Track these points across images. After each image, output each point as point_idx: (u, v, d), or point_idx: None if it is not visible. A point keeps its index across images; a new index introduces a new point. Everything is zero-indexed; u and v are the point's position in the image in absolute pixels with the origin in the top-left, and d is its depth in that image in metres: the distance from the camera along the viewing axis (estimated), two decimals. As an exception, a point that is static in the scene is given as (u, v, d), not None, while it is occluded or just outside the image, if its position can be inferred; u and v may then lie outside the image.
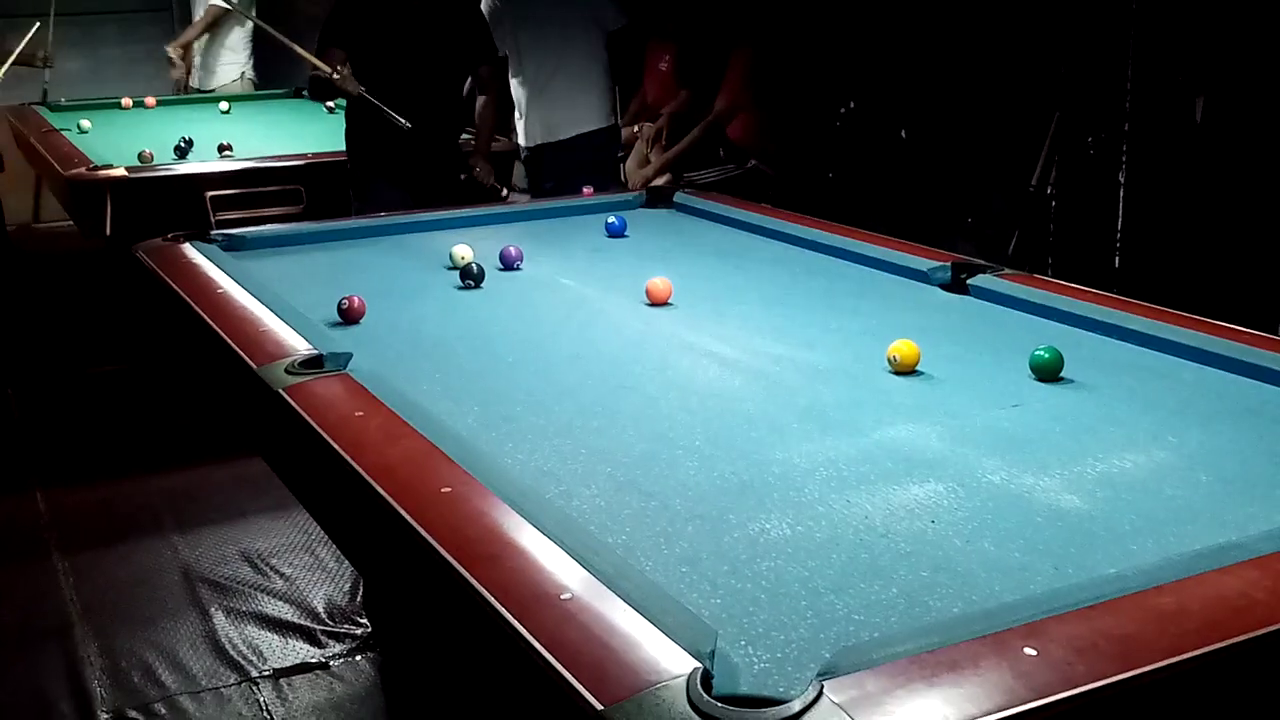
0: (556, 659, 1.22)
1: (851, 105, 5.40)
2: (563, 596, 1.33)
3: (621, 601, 1.32)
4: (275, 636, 3.13)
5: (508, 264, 3.04)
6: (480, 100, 4.69)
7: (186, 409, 4.33)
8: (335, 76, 4.31)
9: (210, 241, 3.15)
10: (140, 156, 4.86)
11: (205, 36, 7.19)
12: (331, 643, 3.09)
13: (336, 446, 1.79)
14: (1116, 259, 4.24)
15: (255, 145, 5.01)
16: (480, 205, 3.97)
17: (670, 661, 1.20)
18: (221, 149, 5.04)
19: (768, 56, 5.20)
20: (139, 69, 7.65)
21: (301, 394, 2.01)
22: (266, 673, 2.97)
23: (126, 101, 6.70)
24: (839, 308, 2.68)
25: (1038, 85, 4.54)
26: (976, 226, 4.82)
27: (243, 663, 3.01)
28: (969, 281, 2.73)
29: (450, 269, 3.01)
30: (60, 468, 4.15)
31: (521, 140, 5.07)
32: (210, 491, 3.95)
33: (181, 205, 4.32)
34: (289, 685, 2.93)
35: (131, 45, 7.70)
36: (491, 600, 1.33)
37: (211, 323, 2.45)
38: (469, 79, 4.69)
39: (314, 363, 2.13)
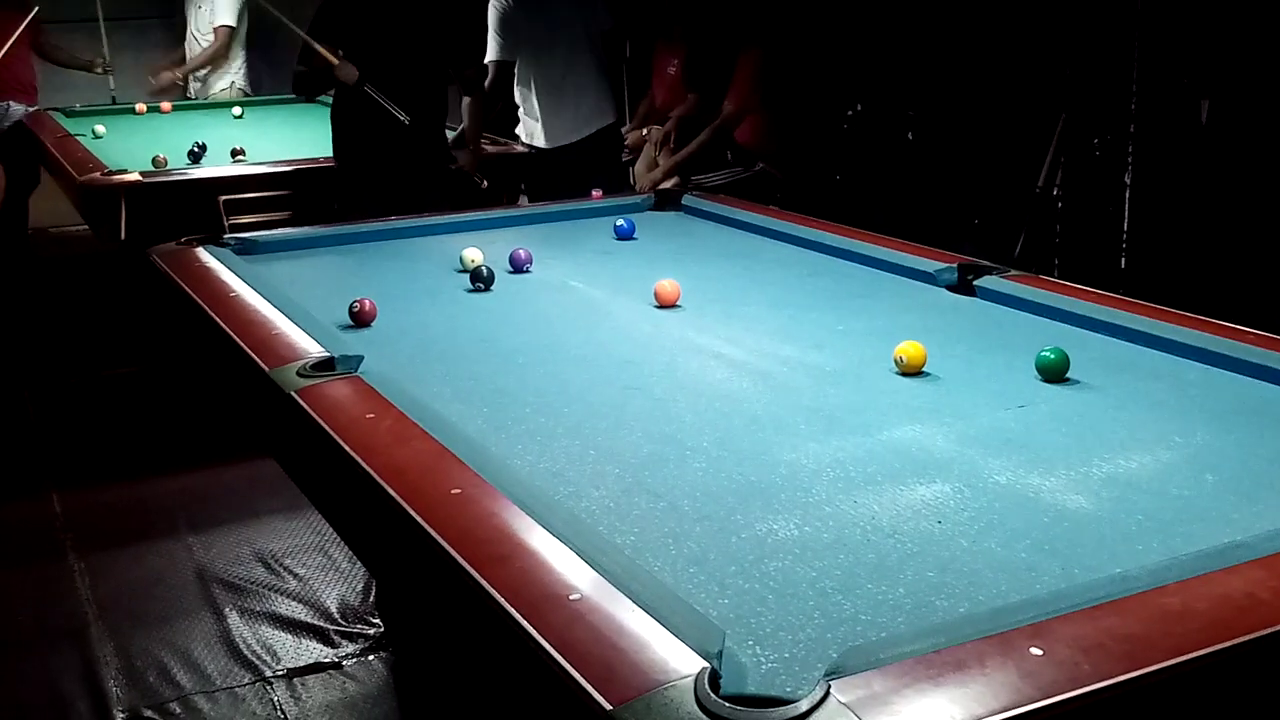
0: (565, 659, 1.23)
1: (859, 108, 5.41)
2: (572, 597, 1.35)
3: (630, 602, 1.33)
4: (289, 636, 3.15)
5: (517, 267, 3.06)
6: (467, 100, 4.76)
7: (200, 411, 4.35)
8: (335, 63, 4.33)
9: (223, 245, 3.17)
10: (154, 161, 4.89)
11: (199, 48, 7.22)
12: (344, 642, 3.11)
13: (348, 448, 1.81)
14: (1122, 260, 4.24)
15: (268, 150, 5.04)
16: (478, 209, 3.96)
17: (678, 661, 1.22)
18: (234, 154, 5.07)
19: (775, 59, 5.21)
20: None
21: (313, 396, 2.03)
22: (280, 672, 3.00)
23: (141, 107, 6.73)
24: (846, 309, 2.69)
25: (1043, 87, 4.54)
26: (982, 228, 4.82)
27: (257, 662, 3.03)
28: (975, 283, 2.74)
29: (460, 272, 3.02)
30: (75, 469, 4.18)
31: (541, 142, 5.14)
32: (224, 492, 3.98)
33: (195, 209, 4.35)
34: (303, 685, 2.95)
35: (148, 51, 7.73)
36: (501, 601, 1.35)
37: (224, 326, 2.47)
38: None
39: (325, 365, 2.15)
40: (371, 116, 4.36)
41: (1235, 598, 1.32)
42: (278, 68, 7.44)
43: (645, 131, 5.50)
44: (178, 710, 2.86)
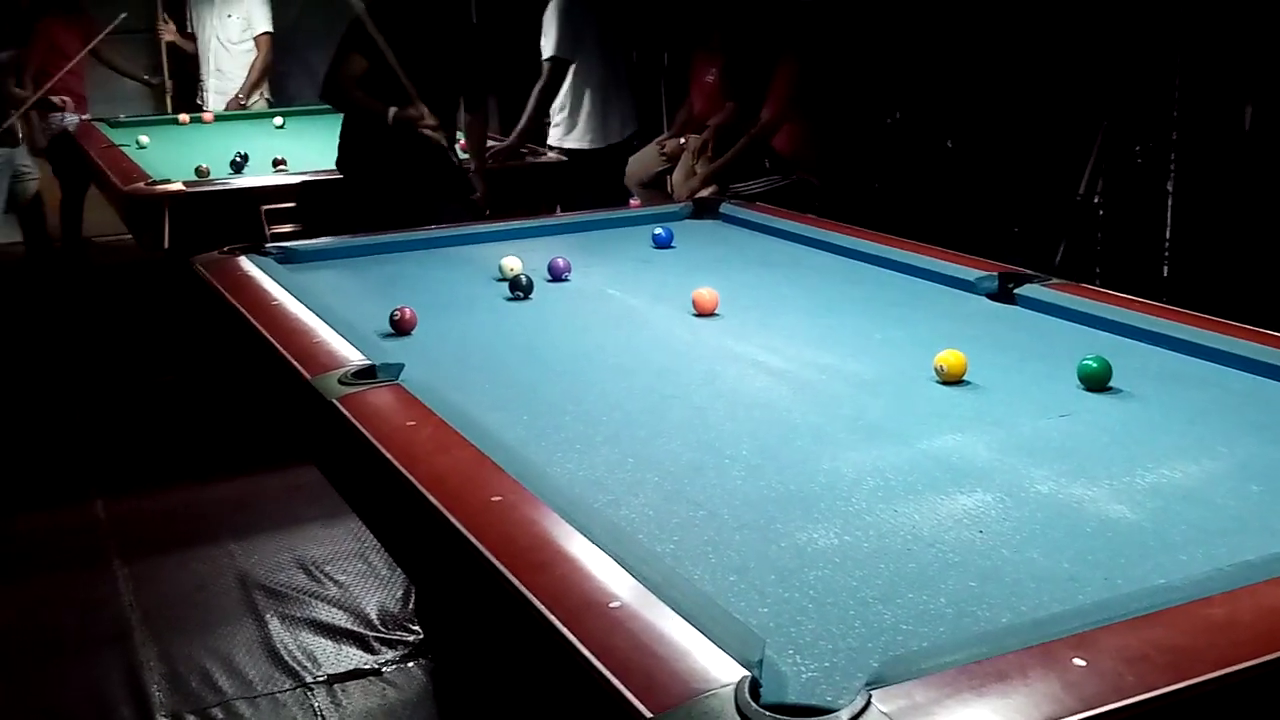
0: (606, 666, 1.23)
1: (897, 115, 5.39)
2: (612, 605, 1.35)
3: (670, 610, 1.33)
4: (329, 643, 3.17)
5: (556, 275, 3.07)
6: (468, 118, 4.79)
7: (242, 418, 4.39)
8: (428, 125, 4.33)
9: (265, 254, 3.20)
10: (197, 171, 4.94)
11: (227, 57, 7.25)
12: (384, 649, 3.13)
13: (389, 456, 1.82)
14: (1165, 268, 4.21)
15: (309, 160, 5.08)
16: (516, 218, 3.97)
17: (719, 670, 1.22)
18: (276, 163, 5.12)
19: (813, 67, 5.21)
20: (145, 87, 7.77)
21: (355, 404, 2.04)
22: (321, 678, 3.02)
23: (184, 117, 6.81)
24: (885, 317, 2.68)
25: (1085, 93, 4.51)
26: (1023, 236, 4.80)
27: (298, 668, 3.05)
28: (1016, 291, 2.72)
29: (499, 280, 3.04)
30: (120, 476, 4.22)
31: (587, 143, 5.36)
32: (265, 500, 4.01)
33: (237, 219, 4.39)
34: (343, 691, 2.97)
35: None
36: (541, 608, 1.35)
37: (266, 334, 2.50)
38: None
39: (367, 373, 2.16)
40: (382, 138, 4.34)
41: (1282, 609, 1.31)
42: (300, 80, 7.55)
43: (683, 140, 5.51)
44: (220, 715, 2.89)
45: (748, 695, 1.17)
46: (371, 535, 3.04)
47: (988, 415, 2.06)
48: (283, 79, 7.68)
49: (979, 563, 1.53)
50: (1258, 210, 3.98)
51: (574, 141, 5.41)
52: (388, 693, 2.97)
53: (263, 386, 2.68)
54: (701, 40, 5.67)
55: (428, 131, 4.33)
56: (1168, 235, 4.20)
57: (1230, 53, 4.01)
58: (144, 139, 5.92)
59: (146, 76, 7.08)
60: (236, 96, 7.22)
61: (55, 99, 6.37)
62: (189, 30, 7.29)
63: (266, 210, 4.48)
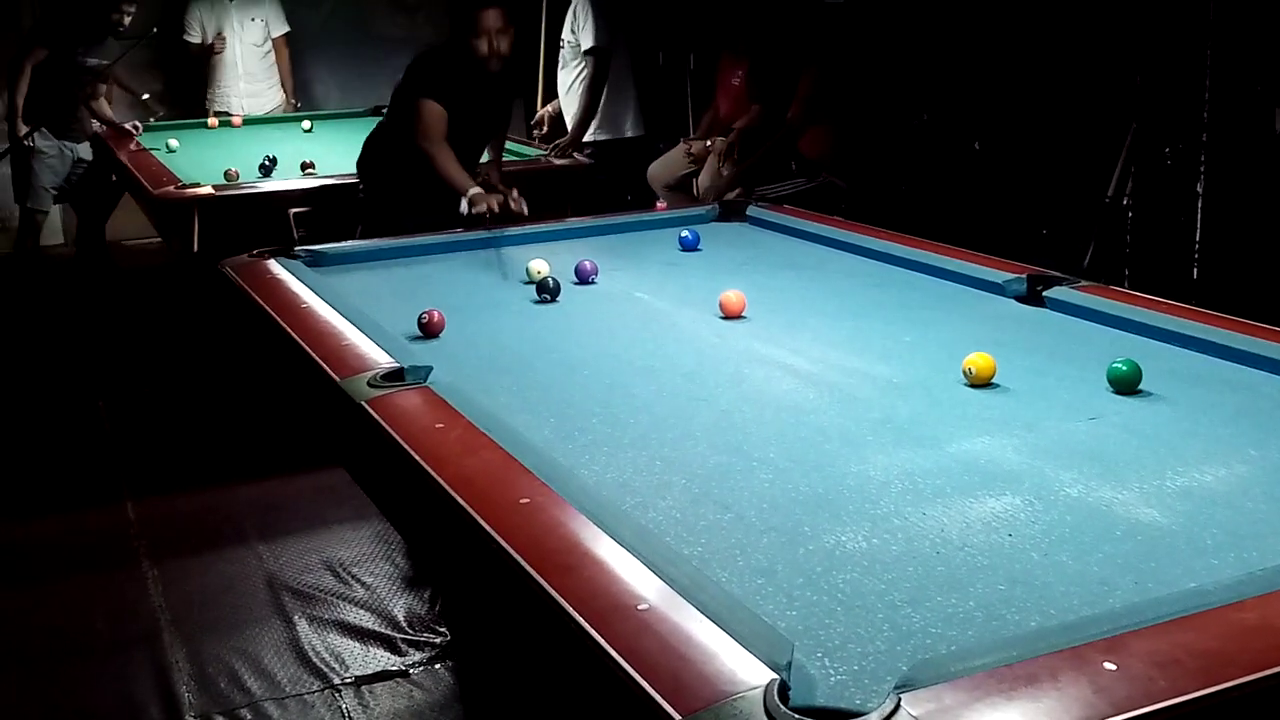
0: (634, 669, 1.24)
1: (925, 117, 5.37)
2: (640, 607, 1.35)
3: (698, 612, 1.33)
4: (357, 644, 3.18)
5: (583, 278, 3.07)
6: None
7: (270, 420, 4.41)
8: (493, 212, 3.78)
9: (294, 257, 3.22)
10: (226, 175, 4.97)
11: (238, 62, 7.29)
12: (412, 651, 3.14)
13: (417, 457, 1.83)
14: (1195, 270, 4.18)
15: (336, 163, 5.10)
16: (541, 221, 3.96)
17: (747, 673, 1.22)
18: (304, 167, 5.14)
19: (838, 70, 5.20)
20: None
21: (383, 406, 2.05)
22: (348, 680, 3.03)
23: (213, 121, 6.86)
24: (913, 320, 2.67)
25: (1114, 95, 4.49)
26: (1051, 238, 4.77)
27: (325, 670, 3.07)
28: (1045, 293, 2.71)
29: (527, 283, 3.05)
30: (149, 478, 4.25)
31: (631, 130, 5.64)
32: (293, 501, 4.03)
33: (266, 222, 4.41)
34: (370, 693, 2.98)
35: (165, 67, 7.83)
36: (569, 610, 1.36)
37: (296, 336, 2.51)
38: None
39: (395, 376, 2.17)
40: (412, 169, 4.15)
41: (1315, 614, 1.30)
42: (325, 84, 7.59)
43: (709, 143, 5.52)
44: (248, 716, 2.90)
45: (776, 698, 1.17)
46: (399, 537, 3.05)
47: (1016, 418, 2.05)
48: (309, 83, 7.72)
49: (1008, 566, 1.53)
50: (1288, 212, 3.95)
51: (627, 130, 5.57)
52: (415, 694, 2.98)
53: (292, 389, 2.70)
54: (728, 43, 5.67)
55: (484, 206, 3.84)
56: (1197, 237, 4.17)
57: (1260, 54, 3.98)
58: (173, 143, 5.96)
59: (146, 97, 7.06)
60: (292, 102, 7.36)
61: (129, 125, 6.38)
62: (203, 40, 7.30)
63: (295, 213, 4.50)
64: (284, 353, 2.55)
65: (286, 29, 7.36)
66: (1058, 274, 2.79)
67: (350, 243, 3.58)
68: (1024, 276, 2.78)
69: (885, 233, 3.35)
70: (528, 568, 1.46)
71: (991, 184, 5.04)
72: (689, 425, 2.07)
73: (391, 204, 4.29)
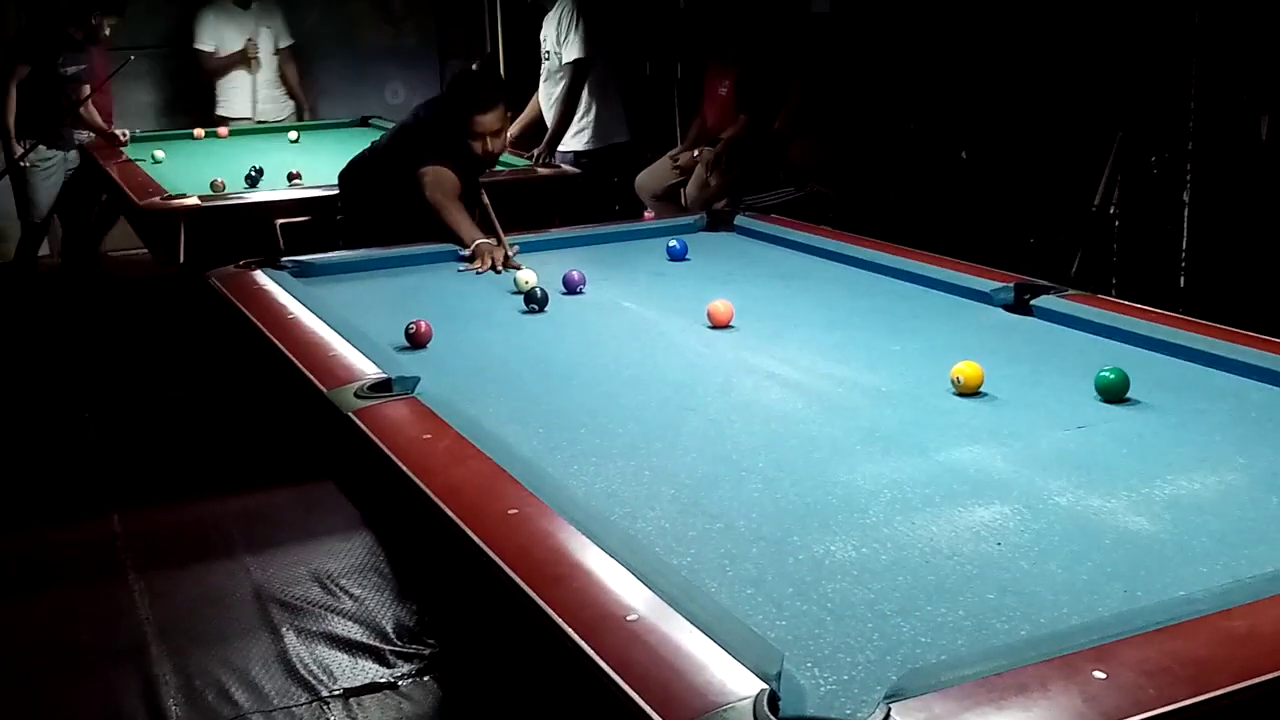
0: (624, 680, 1.23)
1: (912, 126, 5.38)
2: (629, 618, 1.35)
3: (687, 623, 1.33)
4: (345, 656, 3.16)
5: (571, 288, 3.07)
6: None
7: (257, 432, 4.40)
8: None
9: (280, 268, 3.21)
10: (212, 186, 4.95)
11: (262, 70, 7.34)
12: (400, 662, 3.12)
13: (405, 468, 1.82)
14: (1181, 279, 4.19)
15: (324, 174, 5.09)
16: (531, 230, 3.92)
17: (737, 683, 1.21)
18: (291, 178, 5.13)
19: (824, 81, 5.22)
20: (153, 103, 7.81)
21: (370, 417, 2.05)
22: (337, 692, 3.01)
23: (199, 132, 6.84)
24: (901, 329, 2.67)
25: (1100, 104, 4.50)
26: (1039, 247, 4.78)
27: (313, 682, 3.05)
28: (1032, 302, 2.72)
29: (515, 293, 3.04)
30: (136, 490, 4.23)
31: (623, 135, 5.65)
32: (281, 513, 4.01)
33: (252, 233, 4.39)
34: (359, 705, 2.96)
35: (164, 80, 7.85)
36: (558, 621, 1.35)
37: (282, 347, 2.50)
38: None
39: (383, 386, 2.17)
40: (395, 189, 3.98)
41: (1304, 621, 1.30)
42: (324, 91, 7.61)
43: (697, 153, 5.53)
44: (235, 729, 2.89)
45: (766, 708, 1.17)
46: (385, 550, 3.04)
47: (1005, 427, 2.05)
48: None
49: (997, 575, 1.53)
50: (1274, 220, 3.96)
51: (615, 137, 5.57)
52: (403, 706, 2.96)
53: (278, 400, 2.69)
54: (715, 52, 5.69)
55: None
56: (1184, 246, 4.18)
57: (1246, 62, 4.00)
58: (159, 154, 5.94)
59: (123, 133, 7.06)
60: (306, 107, 7.45)
61: (118, 133, 6.38)
62: (216, 49, 7.34)
63: (281, 224, 4.49)
64: (271, 364, 2.55)
65: (291, 41, 7.43)
66: (1045, 283, 2.80)
67: (337, 253, 3.57)
68: (1011, 285, 2.79)
69: (873, 242, 3.36)
70: (516, 579, 1.45)
71: (979, 193, 5.05)
72: (677, 435, 2.06)
73: (368, 233, 4.10)
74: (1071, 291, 2.76)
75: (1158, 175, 4.28)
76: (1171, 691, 1.18)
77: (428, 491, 1.73)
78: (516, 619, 1.46)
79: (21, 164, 6.12)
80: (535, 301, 2.91)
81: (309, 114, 7.47)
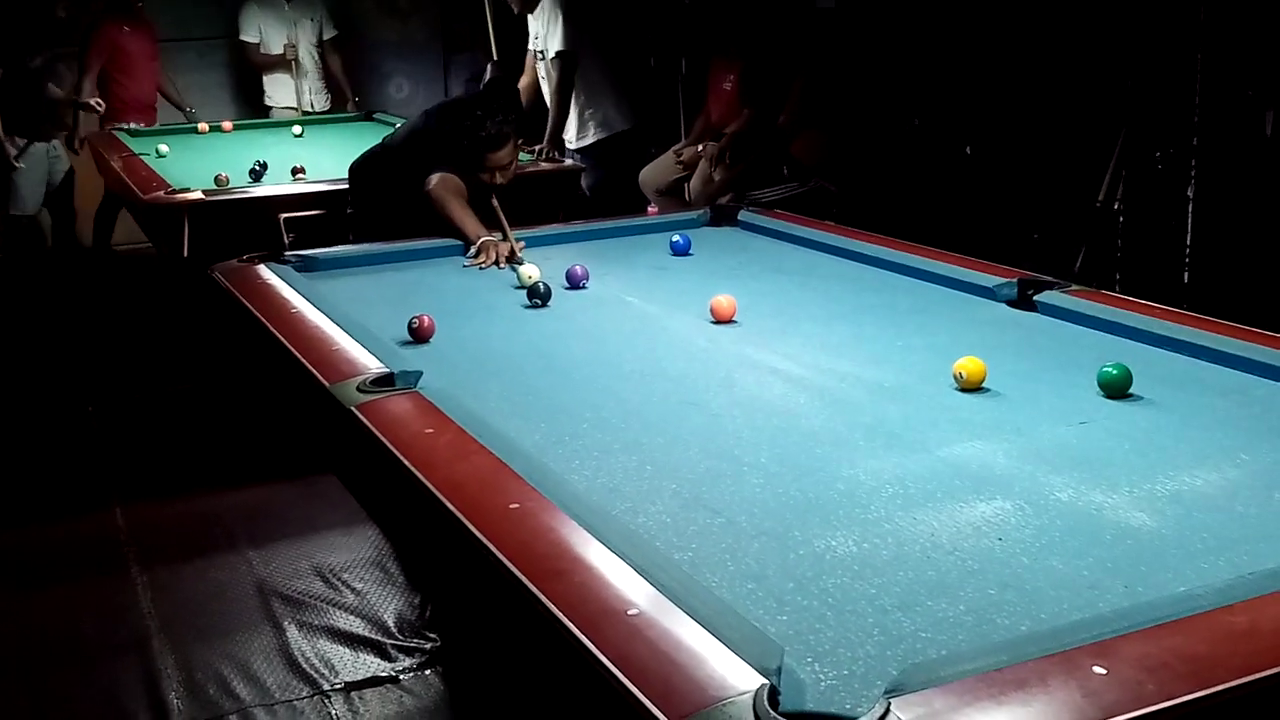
0: (624, 674, 1.23)
1: (916, 122, 5.38)
2: (630, 612, 1.35)
3: (688, 617, 1.33)
4: (347, 650, 3.17)
5: (574, 283, 3.07)
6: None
7: (260, 426, 4.40)
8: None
9: (284, 262, 3.21)
10: (216, 180, 4.96)
11: (302, 62, 7.42)
12: (402, 656, 3.13)
13: (407, 463, 1.82)
14: (1185, 274, 4.18)
15: (327, 168, 5.10)
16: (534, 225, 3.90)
17: (737, 678, 1.21)
18: (295, 172, 5.13)
19: (828, 76, 5.21)
20: (215, 94, 7.85)
21: (373, 411, 2.05)
22: (338, 686, 3.02)
23: (203, 126, 6.85)
24: (904, 324, 2.67)
25: (1104, 100, 4.50)
26: (1042, 242, 4.78)
27: (315, 676, 3.06)
28: (1036, 298, 2.71)
29: (518, 288, 3.04)
30: (139, 484, 4.24)
31: (623, 123, 5.63)
32: (283, 507, 4.02)
33: (256, 227, 4.40)
34: (360, 698, 2.97)
35: (207, 71, 7.89)
36: (559, 615, 1.35)
37: (285, 342, 2.50)
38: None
39: (385, 381, 2.17)
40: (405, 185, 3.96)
41: (1305, 618, 1.30)
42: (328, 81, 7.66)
43: (700, 147, 5.52)
44: (238, 722, 2.89)
45: (766, 703, 1.17)
46: (389, 543, 3.04)
47: (1007, 422, 2.05)
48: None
49: (998, 570, 1.53)
50: (1278, 216, 3.96)
51: (614, 127, 5.66)
52: (405, 700, 2.97)
53: (281, 394, 2.69)
54: (719, 47, 5.68)
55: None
56: (1188, 241, 4.17)
57: (1251, 58, 3.99)
58: (164, 148, 5.94)
59: (190, 109, 7.20)
60: (354, 100, 7.53)
61: (92, 101, 6.47)
62: (260, 40, 7.42)
63: (285, 219, 4.49)
64: (274, 358, 2.55)
65: (334, 32, 7.56)
66: (1049, 278, 2.80)
67: (340, 248, 3.57)
68: (1015, 281, 2.78)
69: (876, 237, 3.36)
70: (518, 573, 1.46)
71: (983, 188, 5.05)
72: (680, 430, 2.06)
73: (379, 228, 4.19)
74: (1075, 287, 2.76)
75: (1162, 171, 4.28)
76: (1172, 687, 1.18)
77: (430, 486, 1.73)
78: (518, 613, 1.46)
79: (16, 164, 6.18)
80: (538, 296, 2.91)
81: (356, 104, 7.55)
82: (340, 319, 2.59)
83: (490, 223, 3.57)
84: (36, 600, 3.50)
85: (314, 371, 2.29)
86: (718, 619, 1.33)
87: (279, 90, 7.49)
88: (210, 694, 3.00)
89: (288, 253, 3.34)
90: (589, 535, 1.53)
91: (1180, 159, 4.19)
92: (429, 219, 3.71)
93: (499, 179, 3.83)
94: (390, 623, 3.28)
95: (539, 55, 5.68)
